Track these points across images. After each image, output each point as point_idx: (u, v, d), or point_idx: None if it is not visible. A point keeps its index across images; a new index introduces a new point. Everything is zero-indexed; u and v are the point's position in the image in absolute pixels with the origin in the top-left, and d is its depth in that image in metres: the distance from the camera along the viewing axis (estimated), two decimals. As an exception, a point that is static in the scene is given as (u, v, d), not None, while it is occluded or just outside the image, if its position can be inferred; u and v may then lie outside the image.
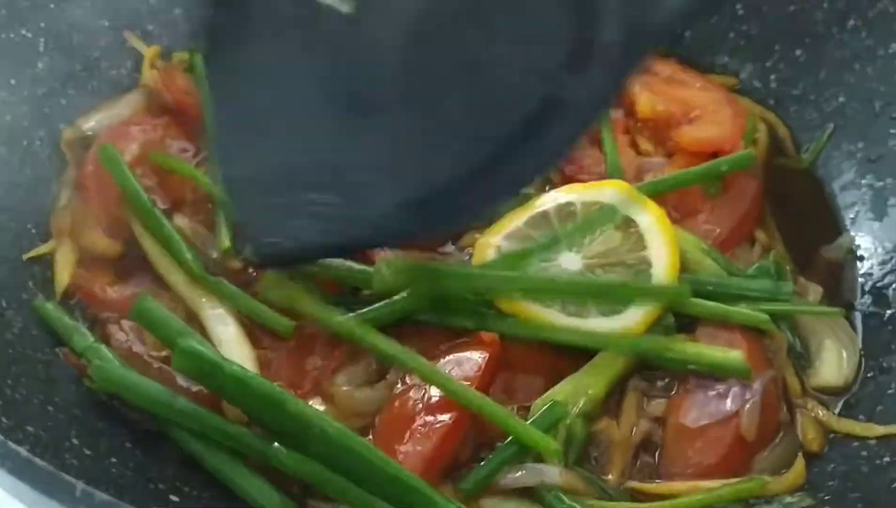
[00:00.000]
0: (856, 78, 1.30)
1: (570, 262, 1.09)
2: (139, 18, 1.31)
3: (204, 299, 1.08)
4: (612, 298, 1.06)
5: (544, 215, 1.13)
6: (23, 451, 0.66)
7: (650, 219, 1.10)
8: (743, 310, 1.07)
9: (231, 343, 1.04)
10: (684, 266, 1.10)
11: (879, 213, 1.24)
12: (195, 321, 1.06)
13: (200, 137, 1.19)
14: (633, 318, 1.05)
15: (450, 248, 1.15)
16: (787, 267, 1.17)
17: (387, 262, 1.05)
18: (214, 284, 1.08)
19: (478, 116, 0.90)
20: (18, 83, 1.18)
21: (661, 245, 1.08)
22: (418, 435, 0.98)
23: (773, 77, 1.36)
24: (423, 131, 0.92)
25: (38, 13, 1.21)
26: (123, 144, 1.19)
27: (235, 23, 0.97)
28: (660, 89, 1.29)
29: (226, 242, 1.10)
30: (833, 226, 1.25)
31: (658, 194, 1.15)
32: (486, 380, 1.03)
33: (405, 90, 0.92)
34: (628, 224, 1.10)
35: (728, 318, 1.07)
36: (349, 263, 1.07)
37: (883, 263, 1.21)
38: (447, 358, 1.03)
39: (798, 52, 1.35)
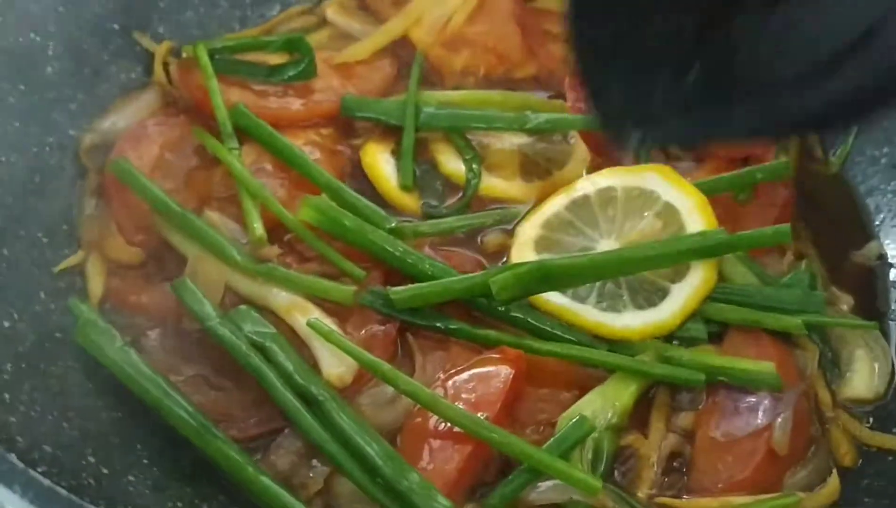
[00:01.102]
0: (881, 81, 1.27)
1: (608, 248, 1.08)
2: (149, 21, 1.28)
3: (263, 287, 1.07)
4: (713, 252, 1.04)
5: (585, 200, 1.12)
6: (45, 480, 0.63)
7: (692, 204, 1.08)
8: (775, 316, 1.05)
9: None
10: (718, 272, 1.08)
11: (904, 218, 1.22)
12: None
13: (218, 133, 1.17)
14: (668, 310, 1.04)
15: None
16: (819, 276, 1.15)
17: (502, 270, 1.02)
18: (267, 271, 1.06)
19: None
20: (27, 88, 1.15)
21: (696, 218, 1.07)
22: (439, 458, 0.95)
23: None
24: None
25: (46, 17, 1.17)
26: (142, 148, 1.18)
27: None
28: None
29: (258, 230, 1.08)
30: (862, 232, 1.22)
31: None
32: (512, 397, 1.00)
33: None
34: (669, 210, 1.09)
35: (761, 324, 1.05)
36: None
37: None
38: (471, 373, 1.01)
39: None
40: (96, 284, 1.10)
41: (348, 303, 1.05)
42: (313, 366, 1.01)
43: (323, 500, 0.96)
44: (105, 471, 0.89)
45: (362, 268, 1.08)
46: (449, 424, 0.96)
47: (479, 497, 0.97)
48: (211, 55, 1.26)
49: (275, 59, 1.28)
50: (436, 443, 0.96)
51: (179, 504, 0.92)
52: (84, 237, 1.14)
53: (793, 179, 1.22)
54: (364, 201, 1.13)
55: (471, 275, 1.05)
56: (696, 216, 1.08)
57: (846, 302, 1.13)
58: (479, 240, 1.15)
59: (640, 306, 1.05)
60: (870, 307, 1.15)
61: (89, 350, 1.00)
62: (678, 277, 1.06)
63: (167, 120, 1.22)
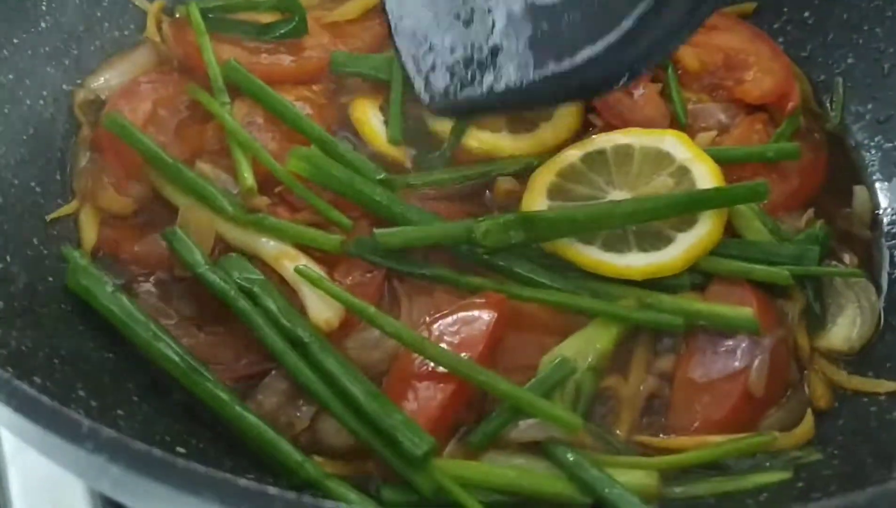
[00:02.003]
0: (864, 39, 1.29)
1: (620, 198, 1.11)
2: (142, -23, 1.30)
3: (252, 236, 1.09)
4: (689, 208, 1.07)
5: (601, 154, 1.15)
6: (29, 389, 0.65)
7: (705, 170, 1.11)
8: (765, 268, 1.07)
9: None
10: (731, 225, 1.11)
11: (888, 174, 1.24)
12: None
13: (211, 90, 1.18)
14: (671, 254, 1.06)
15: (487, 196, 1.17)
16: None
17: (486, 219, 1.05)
18: (257, 220, 1.09)
19: None
20: (21, 42, 1.16)
21: (706, 177, 1.10)
22: (422, 397, 0.97)
23: (780, 39, 1.35)
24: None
25: (39, -28, 1.19)
26: (136, 102, 1.19)
27: None
28: (697, 40, 1.30)
29: (248, 180, 1.10)
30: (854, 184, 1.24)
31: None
32: (494, 340, 1.02)
33: None
34: (682, 172, 1.12)
35: (749, 275, 1.07)
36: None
37: (891, 223, 1.20)
38: (455, 317, 1.03)
39: (806, 13, 1.35)
40: (90, 233, 1.12)
41: (335, 251, 1.07)
42: (301, 312, 1.03)
43: (308, 438, 0.98)
44: (94, 404, 0.90)
45: (350, 218, 1.10)
46: (433, 365, 0.98)
47: (461, 435, 0.99)
48: (203, 14, 1.28)
49: (266, 17, 1.30)
50: (420, 384, 0.98)
51: (167, 439, 0.93)
52: (77, 188, 1.16)
53: (823, 142, 1.26)
54: (354, 154, 1.14)
55: (456, 222, 1.07)
56: (708, 180, 1.11)
57: (849, 259, 1.15)
58: (486, 192, 1.17)
59: (644, 250, 1.07)
60: (874, 262, 1.17)
61: (80, 295, 1.02)
62: (685, 226, 1.08)
63: (160, 77, 1.23)
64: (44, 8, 1.20)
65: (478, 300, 1.04)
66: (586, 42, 0.86)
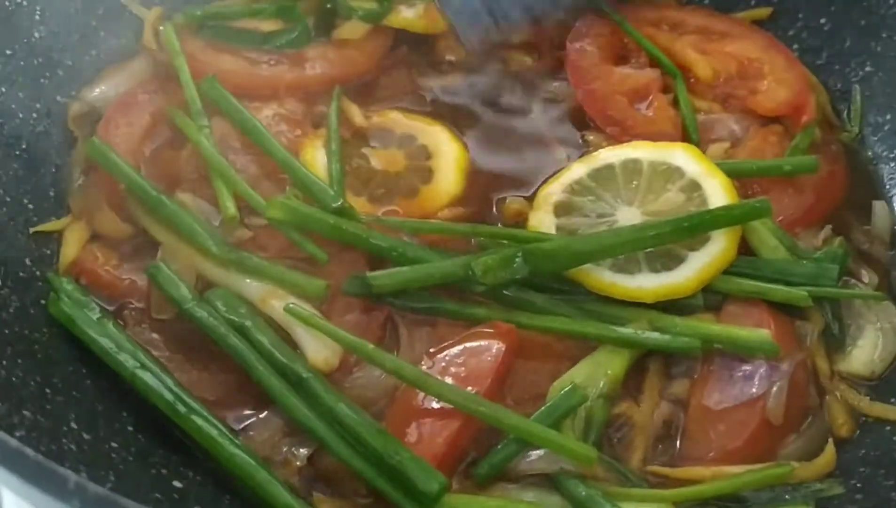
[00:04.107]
0: (882, 46, 1.25)
1: (628, 217, 1.08)
2: (138, -15, 1.27)
3: (235, 276, 1.05)
4: (692, 231, 1.03)
5: (609, 169, 1.12)
6: (12, 441, 0.62)
7: (717, 185, 1.08)
8: (782, 288, 1.04)
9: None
10: (747, 243, 1.08)
11: (908, 188, 1.20)
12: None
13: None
14: (683, 274, 1.03)
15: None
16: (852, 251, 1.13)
17: (484, 255, 1.01)
18: (238, 260, 1.04)
19: None
20: (13, 53, 1.13)
21: (720, 195, 1.07)
22: (426, 434, 0.94)
23: (796, 46, 1.31)
24: None
25: (33, -20, 1.16)
26: (133, 115, 1.16)
27: None
28: (710, 48, 1.27)
29: (230, 209, 1.07)
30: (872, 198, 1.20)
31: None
32: (503, 372, 0.98)
33: None
34: (693, 187, 1.09)
35: (767, 296, 1.04)
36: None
37: (911, 239, 1.17)
38: (461, 348, 0.99)
39: (822, 19, 1.31)
40: (70, 251, 1.08)
41: (320, 297, 1.02)
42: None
43: (306, 477, 0.95)
44: (87, 437, 0.87)
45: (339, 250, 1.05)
46: (435, 401, 0.94)
47: (466, 466, 0.95)
48: (203, 22, 1.25)
49: (267, 25, 1.27)
50: (423, 420, 0.94)
51: (164, 472, 0.90)
52: (73, 207, 1.12)
53: (841, 154, 1.22)
54: (312, 179, 1.10)
55: (452, 259, 1.02)
56: (719, 194, 1.08)
57: (869, 277, 1.11)
58: (494, 207, 1.15)
59: (655, 270, 1.03)
60: (890, 282, 1.13)
61: (62, 321, 0.98)
62: (697, 245, 1.05)
63: (157, 87, 1.20)
64: (37, 17, 1.17)
65: (485, 330, 1.00)
66: None
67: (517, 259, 1.00)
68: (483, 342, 0.99)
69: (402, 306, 1.03)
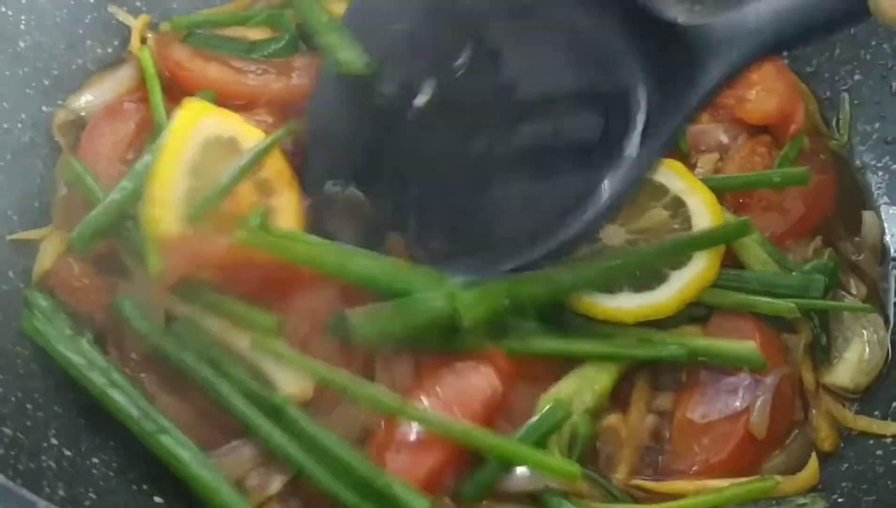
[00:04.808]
0: (872, 55, 1.24)
1: (612, 235, 1.07)
2: (125, -7, 1.26)
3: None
4: (675, 254, 1.03)
5: None
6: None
7: (700, 201, 1.08)
8: (769, 300, 1.03)
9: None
10: (735, 255, 1.07)
11: (896, 197, 1.20)
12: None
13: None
14: (664, 294, 1.02)
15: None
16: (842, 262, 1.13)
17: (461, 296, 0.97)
18: (194, 294, 1.00)
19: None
20: (-1, 63, 1.13)
21: (706, 217, 1.06)
22: (407, 463, 0.92)
23: (785, 55, 1.30)
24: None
25: (18, -11, 1.15)
26: (117, 123, 1.15)
27: None
28: None
29: (156, 265, 0.99)
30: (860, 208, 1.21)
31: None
32: (496, 398, 0.97)
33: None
34: (677, 203, 1.08)
35: (753, 308, 1.03)
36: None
37: (901, 249, 1.17)
38: (453, 375, 0.97)
39: (813, 28, 1.30)
40: (45, 261, 1.06)
41: (272, 334, 0.98)
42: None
43: (291, 491, 0.94)
44: (68, 453, 0.87)
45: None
46: (415, 433, 0.93)
47: (453, 486, 0.94)
48: (191, 30, 1.25)
49: (255, 34, 1.26)
50: (404, 449, 0.93)
51: (145, 487, 0.90)
52: (54, 218, 1.11)
53: (830, 164, 1.21)
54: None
55: (434, 299, 0.97)
56: (703, 211, 1.07)
57: (857, 289, 1.11)
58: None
59: (636, 289, 1.03)
60: (877, 294, 1.13)
61: (33, 337, 0.97)
62: (679, 264, 1.04)
63: (144, 96, 1.18)
64: (22, 27, 1.16)
65: (476, 358, 0.98)
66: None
67: (499, 295, 0.98)
68: (474, 370, 0.97)
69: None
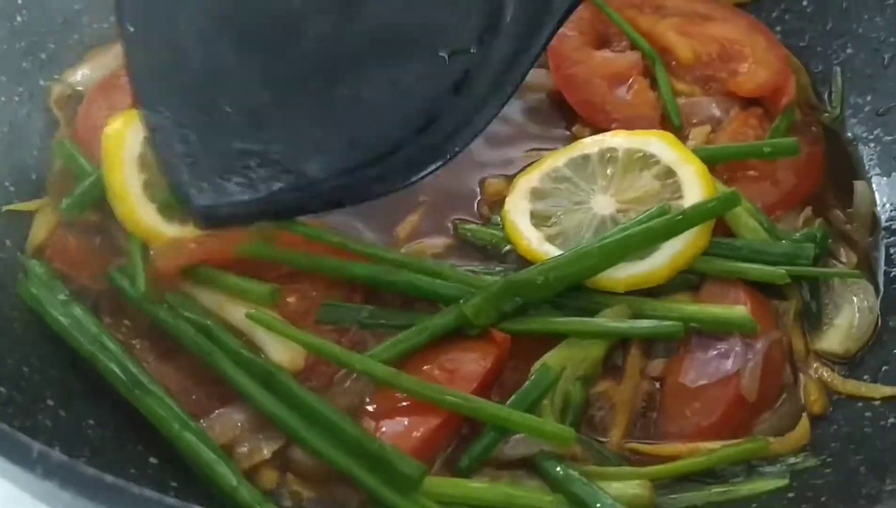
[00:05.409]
0: (864, 28, 1.25)
1: (602, 205, 1.08)
2: (123, -32, 1.27)
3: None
4: (666, 234, 1.03)
5: (585, 158, 1.12)
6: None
7: (692, 172, 1.08)
8: (760, 267, 1.04)
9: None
10: (726, 224, 1.08)
11: (888, 169, 1.20)
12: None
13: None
14: (655, 263, 1.03)
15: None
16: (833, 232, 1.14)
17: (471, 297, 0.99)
18: (188, 269, 1.02)
19: (405, 88, 0.95)
20: (-4, 37, 1.14)
21: (700, 198, 1.06)
22: (401, 431, 0.93)
23: (778, 28, 1.31)
24: (355, 100, 0.94)
25: (15, -36, 1.16)
26: (114, 97, 1.15)
27: None
28: (692, 30, 1.27)
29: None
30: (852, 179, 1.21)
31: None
32: (492, 376, 0.98)
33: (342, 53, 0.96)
34: (668, 174, 1.09)
35: (745, 275, 1.04)
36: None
37: (890, 220, 1.17)
38: (453, 353, 0.99)
39: (805, 2, 1.31)
40: (40, 232, 1.07)
41: (268, 304, 0.99)
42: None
43: (282, 460, 0.95)
44: (63, 413, 0.88)
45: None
46: (409, 400, 0.94)
47: (446, 457, 0.96)
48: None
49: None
50: (396, 419, 0.94)
51: (140, 448, 0.91)
52: (49, 190, 1.12)
53: (821, 136, 1.22)
54: None
55: (444, 313, 1.00)
56: (695, 181, 1.07)
57: (847, 258, 1.12)
58: (477, 185, 1.15)
59: (628, 258, 1.03)
60: (868, 262, 1.14)
61: (28, 301, 0.98)
62: None
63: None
64: (19, 1, 1.17)
65: (479, 338, 0.99)
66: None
67: (506, 295, 0.99)
68: (475, 349, 0.98)
69: (376, 325, 1.02)
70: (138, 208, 1.03)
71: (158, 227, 1.03)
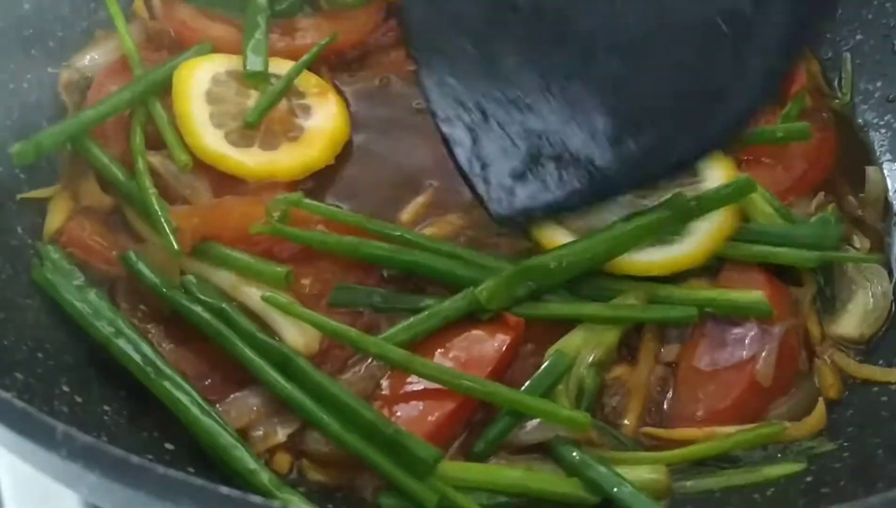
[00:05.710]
0: (874, 14, 1.25)
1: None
2: (131, -47, 1.26)
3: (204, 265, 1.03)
4: (682, 220, 1.03)
5: None
6: (1, 392, 0.62)
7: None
8: (788, 250, 1.04)
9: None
10: (741, 210, 1.08)
11: (898, 154, 1.20)
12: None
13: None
14: (690, 244, 1.03)
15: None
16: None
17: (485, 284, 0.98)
18: (202, 249, 1.02)
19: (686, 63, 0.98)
20: (4, 25, 1.13)
21: (719, 179, 1.07)
22: (415, 417, 0.93)
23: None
24: (636, 83, 1.00)
25: (23, -49, 1.16)
26: (122, 81, 1.15)
27: None
28: None
29: (182, 157, 1.07)
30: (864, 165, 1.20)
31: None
32: (506, 361, 0.98)
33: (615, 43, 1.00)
34: None
35: (772, 259, 1.04)
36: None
37: (902, 206, 1.17)
38: (467, 336, 0.98)
39: (814, -13, 1.30)
40: (55, 220, 1.07)
41: (281, 286, 1.00)
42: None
43: (297, 444, 0.95)
44: (79, 399, 0.88)
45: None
46: (424, 384, 0.94)
47: (461, 442, 0.95)
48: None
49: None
50: (411, 403, 0.94)
51: (156, 434, 0.91)
52: (61, 177, 1.11)
53: (831, 122, 1.22)
54: None
55: (457, 298, 0.99)
56: (713, 166, 1.08)
57: (861, 243, 1.12)
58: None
59: (662, 242, 1.03)
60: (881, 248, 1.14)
61: (44, 287, 0.98)
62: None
63: (149, 56, 1.19)
64: (27, -12, 1.16)
65: (493, 322, 0.99)
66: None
67: (519, 280, 0.99)
68: (489, 333, 0.98)
69: (390, 309, 1.02)
70: (205, 135, 1.09)
71: (223, 150, 1.09)
